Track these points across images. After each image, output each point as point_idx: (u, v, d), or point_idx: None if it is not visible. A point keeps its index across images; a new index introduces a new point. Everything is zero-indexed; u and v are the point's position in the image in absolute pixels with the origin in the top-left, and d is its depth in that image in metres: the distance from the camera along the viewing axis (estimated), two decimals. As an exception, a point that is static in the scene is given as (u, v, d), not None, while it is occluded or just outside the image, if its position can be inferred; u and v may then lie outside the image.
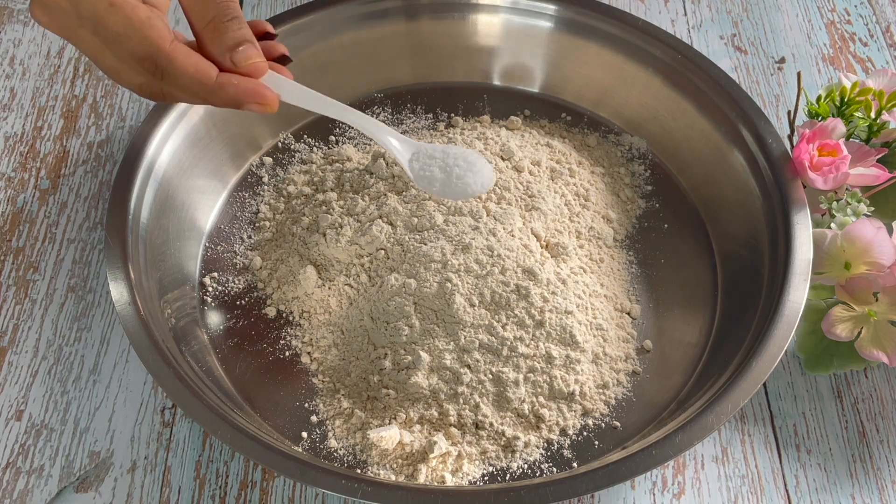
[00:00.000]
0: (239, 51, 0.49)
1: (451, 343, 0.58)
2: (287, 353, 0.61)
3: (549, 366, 0.58)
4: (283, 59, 0.54)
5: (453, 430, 0.56)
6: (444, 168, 0.56)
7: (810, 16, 0.84)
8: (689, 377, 0.60)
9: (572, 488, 0.49)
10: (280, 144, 0.72)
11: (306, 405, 0.59)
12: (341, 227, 0.64)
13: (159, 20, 0.47)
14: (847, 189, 0.63)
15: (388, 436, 0.55)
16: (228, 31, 0.49)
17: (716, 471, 0.58)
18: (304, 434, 0.57)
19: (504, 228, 0.61)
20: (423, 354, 0.57)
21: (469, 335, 0.58)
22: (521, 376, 0.57)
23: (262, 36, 0.53)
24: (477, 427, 0.57)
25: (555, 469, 0.56)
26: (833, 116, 0.65)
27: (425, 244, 0.61)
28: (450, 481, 0.54)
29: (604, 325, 0.61)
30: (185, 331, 0.60)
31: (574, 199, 0.66)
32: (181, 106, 0.65)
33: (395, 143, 0.57)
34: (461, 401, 0.57)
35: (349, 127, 0.73)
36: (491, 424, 0.56)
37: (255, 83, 0.49)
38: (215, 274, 0.65)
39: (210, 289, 0.64)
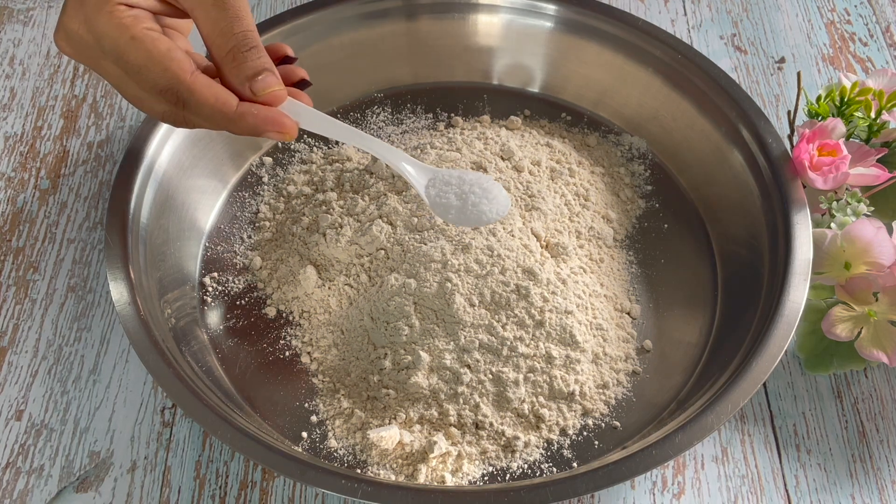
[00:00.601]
0: (258, 80, 0.49)
1: (451, 343, 0.58)
2: (287, 353, 0.61)
3: (549, 366, 0.58)
4: (302, 84, 0.54)
5: (453, 430, 0.56)
6: (460, 195, 0.56)
7: (810, 16, 0.84)
8: (689, 377, 0.60)
9: (572, 488, 0.49)
10: (280, 144, 0.72)
11: (306, 405, 0.59)
12: (341, 227, 0.64)
13: (179, 51, 0.48)
14: (847, 189, 0.63)
15: (388, 436, 0.55)
16: (248, 60, 0.49)
17: (716, 471, 0.58)
18: (304, 434, 0.57)
19: (504, 228, 0.61)
20: (423, 354, 0.57)
21: (469, 335, 0.58)
22: (521, 376, 0.57)
23: (282, 60, 0.53)
24: (477, 427, 0.57)
25: (555, 469, 0.56)
26: (833, 116, 0.65)
27: (425, 244, 0.61)
28: (450, 481, 0.54)
29: (604, 325, 0.61)
30: (185, 331, 0.60)
31: (574, 199, 0.66)
32: (181, 106, 0.65)
33: (412, 170, 0.57)
34: (461, 401, 0.57)
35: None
36: (491, 424, 0.56)
37: (274, 112, 0.50)
38: (215, 274, 0.65)
39: (210, 289, 0.64)
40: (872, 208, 0.62)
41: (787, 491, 0.57)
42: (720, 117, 0.67)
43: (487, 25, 0.74)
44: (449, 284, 0.58)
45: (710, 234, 0.67)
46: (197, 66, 0.49)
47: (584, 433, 0.58)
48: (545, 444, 0.57)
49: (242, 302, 0.63)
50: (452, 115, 0.74)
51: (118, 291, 0.56)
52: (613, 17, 0.71)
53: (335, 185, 0.67)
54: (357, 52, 0.73)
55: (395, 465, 0.55)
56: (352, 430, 0.57)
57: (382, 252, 0.62)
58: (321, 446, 0.57)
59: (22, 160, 0.72)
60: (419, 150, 0.67)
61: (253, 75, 0.49)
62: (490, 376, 0.57)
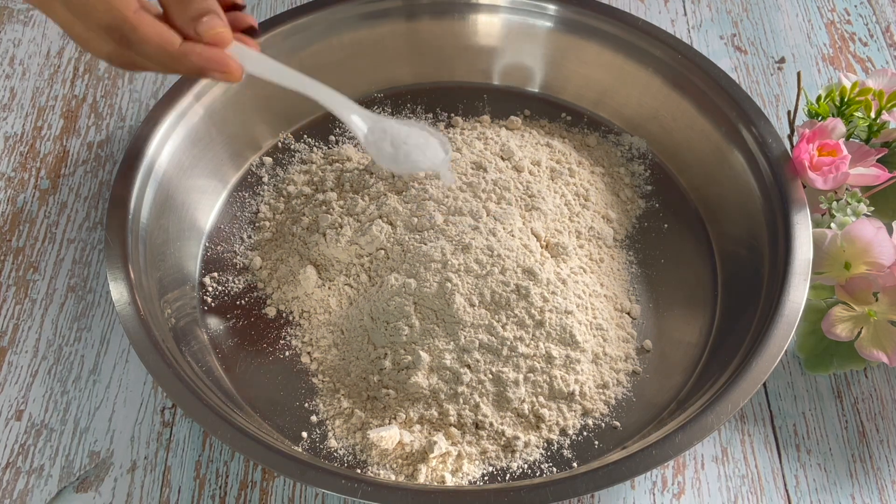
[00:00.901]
0: (203, 21, 0.50)
1: (451, 343, 0.58)
2: (287, 353, 0.61)
3: (549, 366, 0.58)
4: (250, 32, 0.55)
5: (453, 430, 0.56)
6: (395, 144, 0.57)
7: (810, 16, 0.84)
8: (689, 377, 0.60)
9: (572, 488, 0.49)
10: (280, 144, 0.72)
11: (306, 405, 0.59)
12: (341, 227, 0.64)
13: None
14: (847, 189, 0.63)
15: (388, 436, 0.55)
16: (193, 2, 0.50)
17: (716, 471, 0.58)
18: (304, 434, 0.57)
19: (504, 228, 0.61)
20: (423, 354, 0.57)
21: (469, 335, 0.58)
22: (521, 376, 0.57)
23: (230, 7, 0.54)
24: (477, 427, 0.57)
25: (555, 469, 0.56)
26: (833, 116, 0.65)
27: (425, 244, 0.61)
28: (450, 481, 0.54)
29: (604, 325, 0.61)
30: (185, 331, 0.60)
31: (574, 199, 0.66)
32: (181, 106, 0.65)
33: (357, 120, 0.57)
34: (461, 401, 0.57)
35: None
36: (491, 424, 0.56)
37: (218, 52, 0.51)
38: (215, 274, 0.65)
39: (210, 289, 0.64)
40: (872, 208, 0.62)
41: (787, 491, 0.57)
42: (720, 117, 0.67)
43: (487, 25, 0.74)
44: (449, 284, 0.58)
45: (710, 234, 0.67)
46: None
47: (584, 433, 0.58)
48: (545, 444, 0.57)
49: (242, 302, 0.63)
50: (452, 115, 0.74)
51: (118, 291, 0.56)
52: (613, 17, 0.71)
53: (335, 185, 0.67)
54: (357, 52, 0.73)
55: (395, 465, 0.55)
56: (352, 430, 0.57)
57: (382, 252, 0.62)
58: (321, 446, 0.57)
59: (22, 160, 0.72)
60: (419, 150, 0.67)
61: (198, 16, 0.50)
62: (490, 376, 0.57)
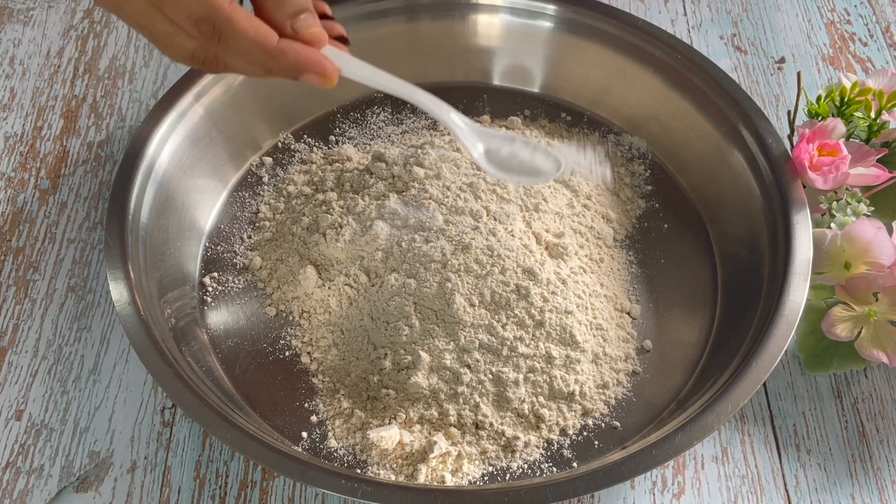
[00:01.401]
0: (300, 18, 0.48)
1: (451, 343, 0.58)
2: (287, 353, 0.61)
3: (549, 366, 0.58)
4: (341, 40, 0.52)
5: (453, 430, 0.56)
6: (514, 159, 0.56)
7: (810, 16, 0.84)
8: (689, 377, 0.60)
9: (572, 488, 0.49)
10: (280, 144, 0.72)
11: (306, 405, 0.59)
12: (341, 227, 0.64)
13: None
14: (847, 189, 0.63)
15: (388, 436, 0.55)
16: None
17: (716, 471, 0.58)
18: (304, 434, 0.57)
19: (504, 228, 0.61)
20: (423, 354, 0.57)
21: (469, 335, 0.57)
22: (521, 376, 0.57)
23: (321, 16, 0.52)
24: (477, 427, 0.57)
25: (555, 469, 0.56)
26: (833, 116, 0.65)
27: (425, 244, 0.61)
28: (450, 481, 0.54)
29: (604, 325, 0.61)
30: (185, 331, 0.60)
31: (574, 199, 0.66)
32: (181, 105, 0.65)
33: (465, 128, 0.55)
34: (461, 401, 0.57)
35: (349, 126, 0.73)
36: (491, 424, 0.56)
37: (316, 52, 0.48)
38: (215, 274, 0.65)
39: (210, 289, 0.64)
40: (872, 208, 0.62)
41: (787, 491, 0.57)
42: (720, 117, 0.67)
43: (487, 26, 0.74)
44: (449, 284, 0.58)
45: (710, 234, 0.67)
46: None
47: (584, 433, 0.58)
48: (545, 444, 0.57)
49: (242, 302, 0.63)
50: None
51: (118, 291, 0.56)
52: (613, 17, 0.71)
53: (335, 185, 0.67)
54: (357, 52, 0.73)
55: (395, 465, 0.55)
56: (352, 430, 0.57)
57: (382, 252, 0.62)
58: (321, 446, 0.57)
59: (22, 160, 0.72)
60: (419, 151, 0.67)
61: (295, 13, 0.48)
62: (490, 376, 0.57)
